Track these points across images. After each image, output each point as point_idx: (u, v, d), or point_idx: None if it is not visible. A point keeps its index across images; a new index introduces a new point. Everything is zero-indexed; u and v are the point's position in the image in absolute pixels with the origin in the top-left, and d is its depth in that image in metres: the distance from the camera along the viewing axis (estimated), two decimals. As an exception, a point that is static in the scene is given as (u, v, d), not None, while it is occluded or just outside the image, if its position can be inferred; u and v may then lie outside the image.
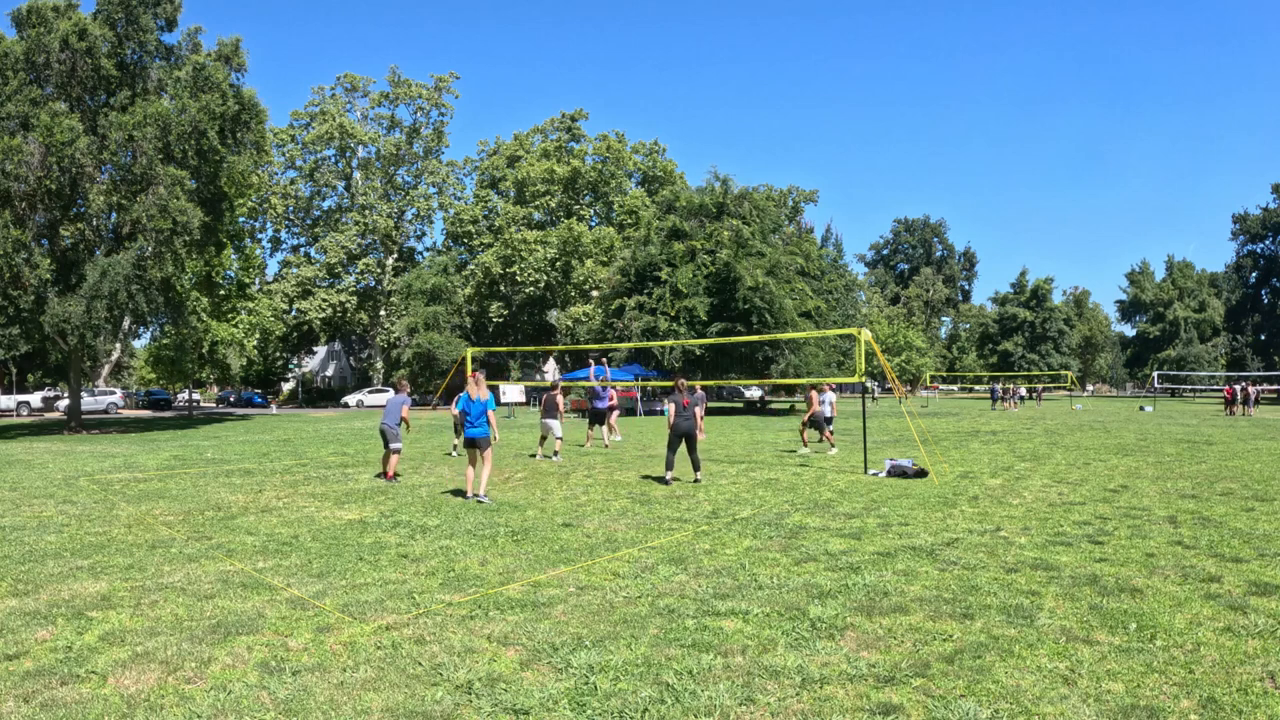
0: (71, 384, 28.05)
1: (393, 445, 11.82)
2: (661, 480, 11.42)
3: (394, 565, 6.42)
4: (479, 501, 9.62)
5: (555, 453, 14.88)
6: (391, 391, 12.60)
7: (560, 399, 15.28)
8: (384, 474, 12.07)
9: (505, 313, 58.56)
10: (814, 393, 16.61)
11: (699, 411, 11.41)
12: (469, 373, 10.19)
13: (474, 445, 9.83)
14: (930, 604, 5.22)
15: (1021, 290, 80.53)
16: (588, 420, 16.53)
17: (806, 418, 16.62)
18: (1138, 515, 8.47)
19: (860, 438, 17.57)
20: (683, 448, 11.78)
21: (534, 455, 15.58)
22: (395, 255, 61.03)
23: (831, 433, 16.64)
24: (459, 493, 10.34)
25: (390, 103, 61.01)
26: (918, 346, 74.23)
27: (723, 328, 33.73)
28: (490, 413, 9.82)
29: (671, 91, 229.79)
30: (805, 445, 16.69)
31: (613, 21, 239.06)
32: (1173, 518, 8.30)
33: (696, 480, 11.39)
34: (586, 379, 23.84)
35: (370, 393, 54.33)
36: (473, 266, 58.05)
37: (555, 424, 14.98)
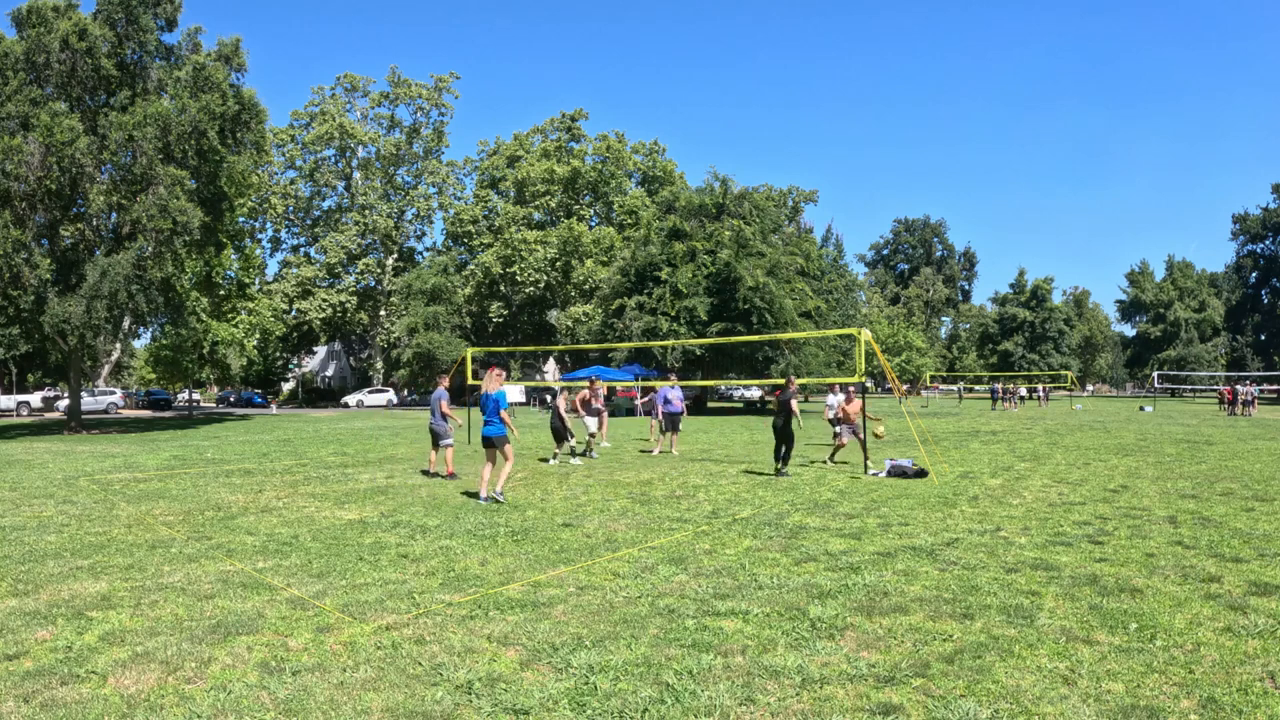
0: (71, 384, 28.05)
1: (444, 441, 11.91)
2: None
3: (394, 565, 6.42)
4: (496, 501, 9.43)
5: (598, 444, 15.61)
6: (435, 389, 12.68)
7: (592, 397, 15.70)
8: (436, 473, 12.27)
9: (505, 313, 58.52)
10: (849, 392, 13.79)
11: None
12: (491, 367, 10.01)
13: (489, 444, 9.68)
14: (930, 604, 5.22)
15: (1021, 290, 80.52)
16: (662, 426, 16.34)
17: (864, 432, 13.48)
18: (1138, 515, 8.47)
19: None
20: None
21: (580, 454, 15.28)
22: (395, 255, 60.98)
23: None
24: (472, 494, 10.14)
25: (390, 103, 60.97)
26: (918, 346, 74.23)
27: (723, 328, 33.73)
28: (503, 411, 9.49)
29: (671, 91, 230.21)
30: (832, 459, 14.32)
31: (613, 21, 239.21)
32: (1173, 518, 8.30)
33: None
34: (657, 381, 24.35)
35: (370, 393, 54.25)
36: (473, 266, 58.00)
37: (592, 421, 15.57)
